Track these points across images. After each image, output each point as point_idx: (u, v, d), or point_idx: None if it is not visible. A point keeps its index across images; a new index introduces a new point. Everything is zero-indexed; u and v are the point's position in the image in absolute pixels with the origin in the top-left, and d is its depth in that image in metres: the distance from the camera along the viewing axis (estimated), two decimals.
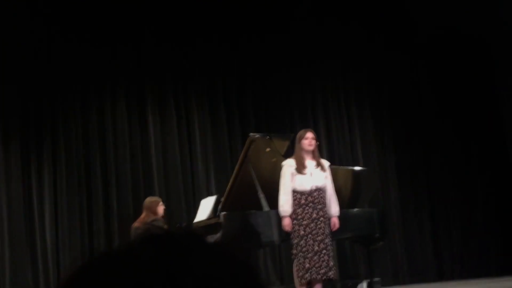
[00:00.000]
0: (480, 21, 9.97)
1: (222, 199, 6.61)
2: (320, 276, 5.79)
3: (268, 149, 6.53)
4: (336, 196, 6.09)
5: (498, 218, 10.31)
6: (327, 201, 5.99)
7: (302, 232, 5.84)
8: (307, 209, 5.88)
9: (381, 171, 9.94)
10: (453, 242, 10.16)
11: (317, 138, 6.27)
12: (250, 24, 9.66)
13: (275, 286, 8.88)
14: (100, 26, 8.92)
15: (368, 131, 10.16)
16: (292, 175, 5.93)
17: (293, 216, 5.90)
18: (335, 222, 6.02)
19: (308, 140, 5.99)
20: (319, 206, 5.91)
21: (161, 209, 7.20)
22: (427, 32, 10.43)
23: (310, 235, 5.83)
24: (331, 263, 5.87)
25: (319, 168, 5.98)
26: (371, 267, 7.07)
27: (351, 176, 7.26)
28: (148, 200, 7.33)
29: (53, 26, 8.72)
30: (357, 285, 7.42)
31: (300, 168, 5.93)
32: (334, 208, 6.03)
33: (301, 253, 5.82)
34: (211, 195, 7.92)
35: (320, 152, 6.63)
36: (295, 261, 5.91)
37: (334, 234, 6.10)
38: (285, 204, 5.91)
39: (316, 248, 5.80)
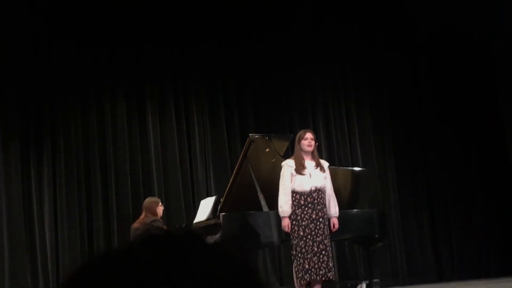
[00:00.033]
0: (480, 21, 9.96)
1: (222, 200, 6.62)
2: (319, 277, 5.80)
3: (267, 150, 6.53)
4: (336, 197, 6.09)
5: (498, 219, 10.30)
6: (327, 202, 6.00)
7: (301, 233, 5.84)
8: (307, 210, 5.88)
9: (380, 171, 9.93)
10: (452, 243, 10.15)
11: (317, 138, 6.27)
12: (250, 24, 9.66)
13: (274, 287, 8.87)
14: (100, 26, 8.92)
15: (368, 132, 10.14)
16: (292, 175, 5.93)
17: (293, 216, 5.90)
18: (335, 222, 6.02)
19: (307, 140, 5.99)
20: (319, 207, 5.91)
21: (160, 209, 7.20)
22: (427, 32, 10.42)
23: (309, 236, 5.83)
24: (331, 264, 5.87)
25: (318, 169, 5.98)
26: (371, 268, 7.06)
27: (350, 176, 7.26)
28: (148, 200, 7.32)
29: (53, 26, 8.72)
30: (356, 286, 7.42)
31: (300, 168, 5.92)
32: (333, 208, 6.03)
33: (300, 254, 5.82)
34: (211, 195, 7.93)
35: (319, 153, 6.63)
36: (294, 261, 5.91)
37: (333, 234, 6.11)
38: (285, 205, 5.90)
39: (316, 249, 5.80)
